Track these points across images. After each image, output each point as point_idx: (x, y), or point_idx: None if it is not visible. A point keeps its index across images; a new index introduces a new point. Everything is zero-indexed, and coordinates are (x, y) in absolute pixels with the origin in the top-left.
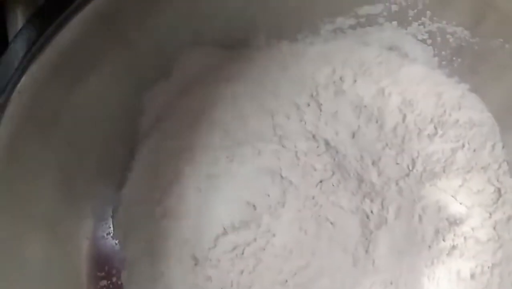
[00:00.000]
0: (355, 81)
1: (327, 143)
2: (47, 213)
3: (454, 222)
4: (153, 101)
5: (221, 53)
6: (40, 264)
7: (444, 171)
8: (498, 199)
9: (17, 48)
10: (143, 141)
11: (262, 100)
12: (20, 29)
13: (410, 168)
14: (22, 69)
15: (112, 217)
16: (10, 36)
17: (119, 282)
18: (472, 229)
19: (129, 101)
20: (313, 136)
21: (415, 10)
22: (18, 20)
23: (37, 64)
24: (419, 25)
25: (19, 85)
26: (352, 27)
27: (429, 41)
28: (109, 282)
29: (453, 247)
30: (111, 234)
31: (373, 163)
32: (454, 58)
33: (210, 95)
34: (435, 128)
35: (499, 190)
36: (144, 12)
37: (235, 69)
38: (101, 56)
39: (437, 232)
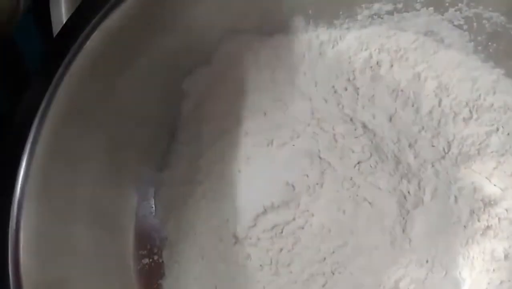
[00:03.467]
0: (391, 66)
1: (364, 126)
2: (93, 196)
3: (489, 203)
4: (194, 86)
5: (260, 39)
6: (88, 245)
7: (478, 154)
8: None
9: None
10: (184, 125)
11: (300, 84)
12: (69, 18)
13: (446, 151)
14: (71, 56)
15: (154, 197)
16: (54, 26)
17: (161, 260)
18: (506, 210)
19: (171, 86)
20: (351, 119)
21: None
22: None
23: (84, 52)
24: (455, 10)
25: (69, 70)
26: (389, 13)
27: (465, 27)
28: (151, 260)
29: (488, 228)
30: (153, 214)
31: (410, 145)
32: (489, 43)
33: (249, 80)
34: (470, 112)
35: None
36: (186, 1)
37: (273, 55)
38: (146, 43)
39: (472, 212)
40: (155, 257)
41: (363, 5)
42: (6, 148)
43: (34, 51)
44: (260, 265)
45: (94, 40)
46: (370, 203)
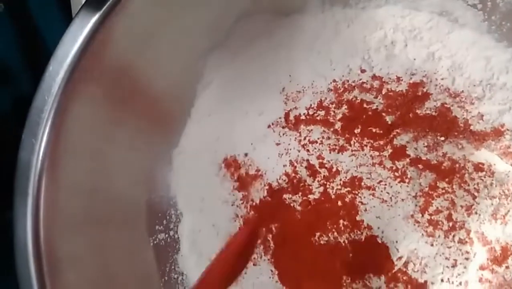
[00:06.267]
0: (406, 45)
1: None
2: (110, 167)
3: (501, 180)
4: (210, 66)
5: (277, 19)
6: (106, 221)
7: (491, 132)
8: None
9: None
10: (200, 104)
11: (315, 63)
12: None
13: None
14: (91, 33)
15: (170, 174)
16: (74, 9)
17: (176, 236)
18: None
19: (188, 65)
20: None
21: None
22: None
23: (103, 30)
24: None
25: (89, 47)
26: None
27: (479, 6)
28: (167, 235)
29: (499, 204)
30: (169, 190)
31: None
32: (503, 23)
33: (265, 59)
34: (483, 91)
35: None
36: None
37: (290, 34)
38: (164, 23)
39: (484, 189)
40: (171, 233)
41: None
42: (27, 125)
43: (55, 32)
44: None
45: (112, 19)
46: (385, 180)
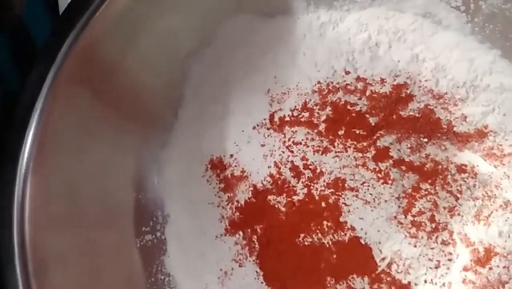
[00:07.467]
0: (390, 47)
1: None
2: (97, 172)
3: (484, 181)
4: (196, 66)
5: (262, 20)
6: (92, 221)
7: (475, 134)
8: None
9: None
10: (187, 104)
11: (300, 65)
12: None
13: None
14: (76, 35)
15: (157, 175)
16: (61, 7)
17: (163, 237)
18: (501, 189)
19: (174, 66)
20: None
21: None
22: None
23: (87, 31)
24: None
25: (73, 48)
26: None
27: (462, 8)
28: (153, 236)
29: (482, 206)
30: (156, 191)
31: None
32: (486, 24)
33: (250, 61)
34: (467, 92)
35: None
36: None
37: (274, 36)
38: (148, 23)
39: (467, 190)
40: (158, 234)
41: None
42: (14, 124)
43: (43, 32)
44: None
45: (98, 20)
46: (368, 181)
